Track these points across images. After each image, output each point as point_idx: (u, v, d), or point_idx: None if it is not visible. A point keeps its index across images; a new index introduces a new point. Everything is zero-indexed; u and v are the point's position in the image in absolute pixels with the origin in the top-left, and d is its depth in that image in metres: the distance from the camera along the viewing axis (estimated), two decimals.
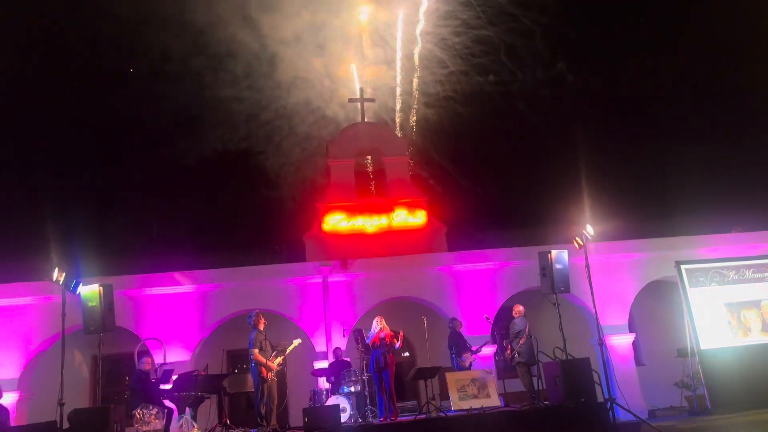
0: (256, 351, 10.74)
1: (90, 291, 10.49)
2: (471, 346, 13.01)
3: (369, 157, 20.64)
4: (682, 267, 14.02)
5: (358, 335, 12.57)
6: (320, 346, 14.34)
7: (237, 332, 14.02)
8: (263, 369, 10.71)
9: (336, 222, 17.70)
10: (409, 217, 17.94)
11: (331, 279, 14.91)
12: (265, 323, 11.13)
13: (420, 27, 27.61)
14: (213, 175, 27.97)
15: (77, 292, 10.53)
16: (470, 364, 12.77)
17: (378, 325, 11.19)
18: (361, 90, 20.51)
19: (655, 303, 16.82)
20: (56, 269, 10.08)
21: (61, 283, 10.07)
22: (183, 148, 28.87)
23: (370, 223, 17.77)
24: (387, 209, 17.94)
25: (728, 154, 24.51)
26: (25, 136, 27.14)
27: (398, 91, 29.23)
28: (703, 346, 13.22)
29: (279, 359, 11.05)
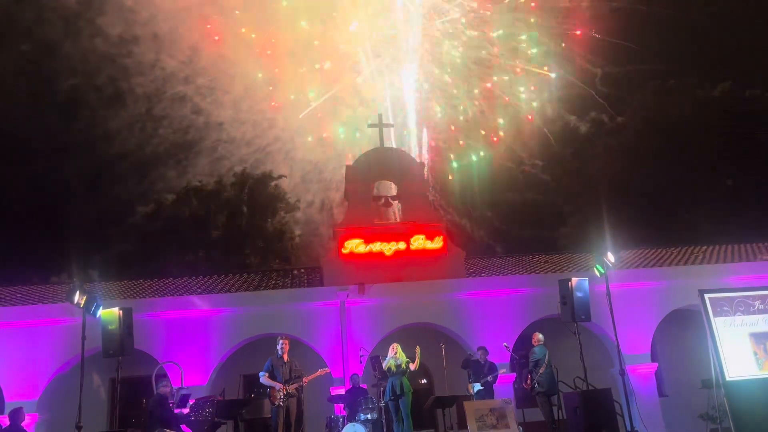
0: (266, 375, 10.82)
1: (110, 314, 10.57)
2: (487, 375, 12.77)
3: (388, 182, 20.66)
4: (706, 296, 13.69)
5: (375, 362, 12.46)
6: (337, 372, 14.24)
7: (254, 357, 13.95)
8: (272, 394, 10.76)
9: (354, 246, 17.66)
10: (427, 242, 17.84)
11: (348, 304, 14.86)
12: (286, 350, 11.19)
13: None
14: (232, 198, 28.20)
15: (97, 315, 10.62)
16: (481, 389, 12.52)
17: (394, 353, 11.11)
18: (380, 116, 20.65)
19: (678, 332, 16.48)
20: (77, 292, 10.18)
21: (82, 306, 10.16)
22: (200, 170, 29.27)
23: (388, 248, 17.71)
24: (405, 234, 17.88)
25: (754, 181, 24.19)
26: (44, 161, 27.66)
27: (415, 119, 29.50)
28: (728, 378, 12.83)
29: (295, 385, 11.00)
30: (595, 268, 11.74)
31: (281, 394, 10.80)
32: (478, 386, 12.59)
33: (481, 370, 12.86)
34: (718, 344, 13.23)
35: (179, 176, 28.92)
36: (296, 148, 30.53)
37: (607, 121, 28.70)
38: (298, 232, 28.36)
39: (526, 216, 27.09)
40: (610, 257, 11.63)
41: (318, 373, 11.41)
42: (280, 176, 28.96)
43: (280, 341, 11.28)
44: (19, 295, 16.68)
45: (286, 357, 11.19)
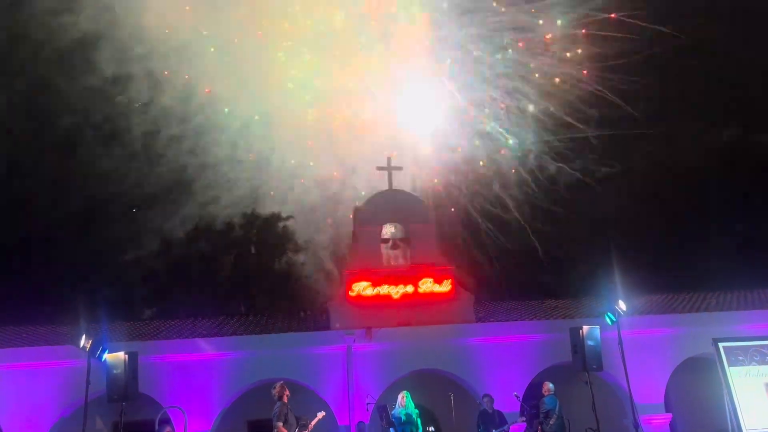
0: (281, 425, 10.45)
1: (115, 358, 10.48)
2: (499, 426, 12.48)
3: (396, 224, 20.65)
4: (720, 345, 13.49)
5: (382, 411, 12.21)
6: (343, 419, 13.96)
7: (259, 402, 13.68)
8: None
9: (361, 289, 17.54)
10: (435, 286, 17.70)
11: (355, 349, 14.67)
12: (288, 395, 10.90)
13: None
14: (240, 238, 28.25)
15: (103, 359, 10.53)
16: None
17: (402, 402, 10.91)
18: (389, 158, 20.77)
19: (692, 381, 16.06)
20: (83, 336, 10.13)
21: (87, 350, 10.09)
22: (208, 210, 29.40)
23: (396, 291, 17.57)
24: (413, 277, 17.77)
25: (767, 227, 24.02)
26: (41, 199, 27.84)
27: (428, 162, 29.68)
28: (745, 429, 12.55)
29: None
30: (606, 317, 11.59)
31: None
32: None
33: (492, 420, 12.59)
34: (734, 394, 12.96)
35: (184, 215, 29.05)
36: (295, 187, 30.78)
37: (613, 166, 28.76)
38: (305, 273, 28.26)
39: (533, 260, 26.99)
40: (622, 305, 11.50)
41: (318, 418, 11.14)
42: (289, 217, 29.00)
43: (284, 386, 10.95)
44: (24, 335, 16.59)
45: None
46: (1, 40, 27.95)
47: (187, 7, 29.21)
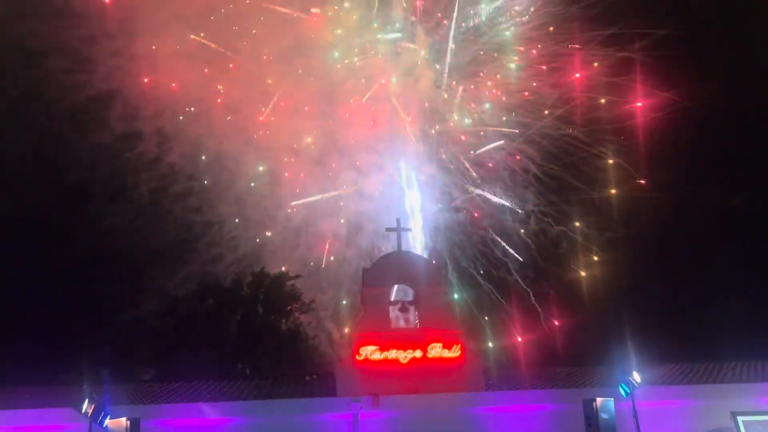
0: None
1: (117, 424, 10.26)
2: None
3: (405, 286, 20.50)
4: (740, 419, 13.10)
5: None
6: None
7: None
8: None
9: (369, 353, 17.24)
10: (444, 351, 17.39)
11: (362, 416, 14.30)
12: None
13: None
14: (248, 297, 27.98)
15: (104, 425, 10.30)
16: None
17: None
18: (398, 220, 20.83)
19: None
20: (86, 400, 9.95)
21: (89, 415, 9.88)
22: (212, 269, 29.32)
23: (404, 356, 17.26)
24: (422, 341, 17.48)
25: None
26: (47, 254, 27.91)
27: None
28: None
29: None
30: (620, 388, 11.30)
31: None
32: None
33: None
34: None
35: (187, 273, 28.98)
36: (300, 245, 30.78)
37: (623, 232, 28.65)
38: (311, 333, 27.87)
39: (541, 325, 26.67)
40: (636, 377, 11.24)
41: None
42: (297, 276, 28.82)
43: None
44: (26, 395, 16.29)
45: None
46: (16, 97, 28.77)
47: (206, 70, 30.24)
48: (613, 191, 29.78)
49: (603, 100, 30.14)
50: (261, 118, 30.59)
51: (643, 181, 29.44)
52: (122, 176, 30.17)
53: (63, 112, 29.26)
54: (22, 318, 25.47)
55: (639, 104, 29.63)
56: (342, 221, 30.55)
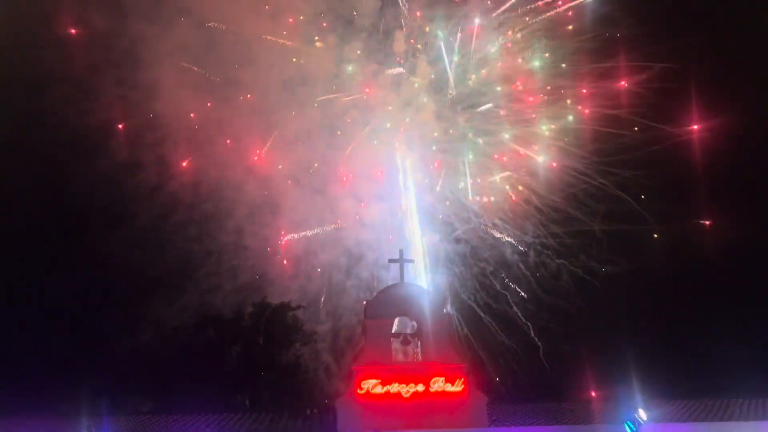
0: None
1: None
2: None
3: (407, 319, 20.33)
4: None
5: None
6: None
7: None
8: None
9: (370, 386, 17.03)
10: (447, 385, 17.16)
11: None
12: None
13: None
14: (247, 328, 27.75)
15: None
16: None
17: None
18: (401, 251, 20.77)
19: None
20: None
21: None
22: (209, 299, 29.15)
23: (406, 390, 17.03)
24: (424, 375, 17.27)
25: None
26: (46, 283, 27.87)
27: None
28: None
29: None
30: (626, 425, 11.10)
31: None
32: None
33: None
34: None
35: (185, 303, 28.82)
36: (298, 275, 30.67)
37: (622, 266, 28.55)
38: (311, 365, 27.55)
39: (542, 359, 26.40)
40: (642, 414, 11.05)
41: None
42: (299, 306, 28.60)
43: None
44: (25, 428, 16.18)
45: None
46: (18, 126, 29.04)
47: (209, 104, 30.61)
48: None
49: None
50: (256, 158, 30.84)
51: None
52: (122, 204, 30.22)
53: (64, 140, 29.51)
54: (19, 348, 25.30)
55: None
56: (341, 251, 30.46)
